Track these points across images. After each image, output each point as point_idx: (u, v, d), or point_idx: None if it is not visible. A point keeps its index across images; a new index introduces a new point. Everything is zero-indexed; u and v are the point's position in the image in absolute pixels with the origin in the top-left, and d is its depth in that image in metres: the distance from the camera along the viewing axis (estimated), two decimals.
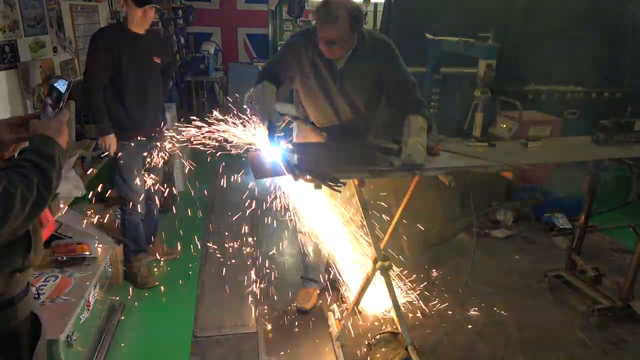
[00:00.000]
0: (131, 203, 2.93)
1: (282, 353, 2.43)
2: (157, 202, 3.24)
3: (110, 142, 2.75)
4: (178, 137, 2.43)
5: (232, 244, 3.53)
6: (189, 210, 4.17)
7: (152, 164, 3.04)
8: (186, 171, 4.94)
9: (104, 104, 2.73)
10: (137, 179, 2.92)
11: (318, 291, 2.89)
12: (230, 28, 8.94)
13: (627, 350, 2.51)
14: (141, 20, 2.69)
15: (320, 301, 2.88)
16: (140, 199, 2.97)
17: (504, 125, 4.46)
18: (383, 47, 2.25)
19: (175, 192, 4.26)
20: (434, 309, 2.82)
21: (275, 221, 3.06)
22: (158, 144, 3.03)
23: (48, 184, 1.08)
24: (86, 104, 2.74)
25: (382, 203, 2.65)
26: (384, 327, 2.62)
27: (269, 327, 2.63)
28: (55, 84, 1.27)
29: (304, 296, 2.84)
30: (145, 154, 2.98)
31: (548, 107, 4.87)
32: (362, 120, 2.40)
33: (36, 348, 1.25)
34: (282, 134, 2.08)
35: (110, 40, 2.68)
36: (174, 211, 4.11)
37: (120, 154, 2.82)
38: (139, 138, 2.85)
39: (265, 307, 2.79)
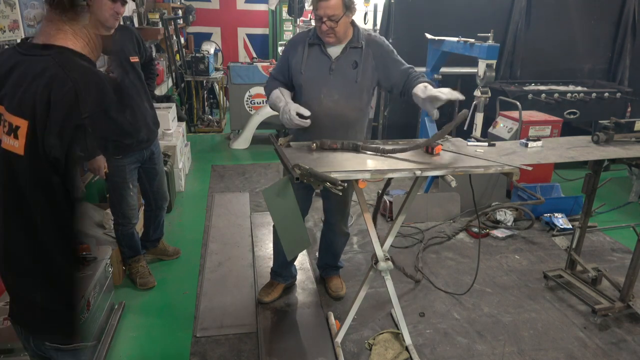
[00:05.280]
0: (126, 217, 2.85)
1: (282, 353, 2.43)
2: (164, 205, 3.16)
3: (100, 164, 2.62)
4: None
5: (232, 243, 3.54)
6: (189, 210, 4.19)
7: (151, 168, 2.97)
8: (186, 171, 4.96)
9: None
10: (133, 193, 2.82)
11: (283, 286, 2.92)
12: (230, 28, 8.95)
13: (627, 350, 2.51)
14: (111, 17, 2.25)
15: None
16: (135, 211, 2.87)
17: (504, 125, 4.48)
18: (377, 42, 2.43)
19: (175, 192, 4.26)
20: (435, 309, 2.83)
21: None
22: (153, 150, 2.91)
23: None
24: None
25: None
26: (384, 327, 2.62)
27: (269, 327, 2.64)
28: None
29: (267, 288, 2.89)
30: (139, 165, 2.86)
31: (548, 107, 4.88)
32: (352, 112, 2.44)
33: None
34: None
35: None
36: (174, 211, 4.12)
37: (112, 172, 2.68)
38: (132, 149, 2.65)
39: (266, 307, 2.80)
